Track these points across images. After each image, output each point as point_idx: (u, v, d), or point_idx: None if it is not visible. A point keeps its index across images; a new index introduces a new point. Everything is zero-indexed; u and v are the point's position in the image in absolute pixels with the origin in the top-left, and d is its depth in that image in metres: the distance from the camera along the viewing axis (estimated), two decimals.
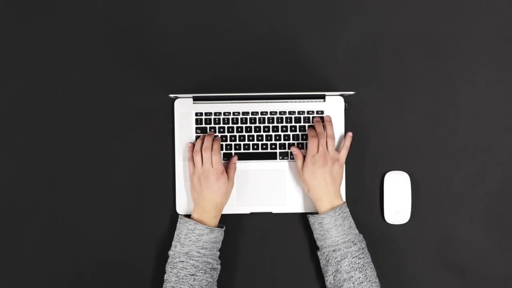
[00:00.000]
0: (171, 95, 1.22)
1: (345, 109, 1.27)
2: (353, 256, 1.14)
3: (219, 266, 1.18)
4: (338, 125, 1.27)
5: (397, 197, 1.27)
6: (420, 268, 1.28)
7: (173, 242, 1.18)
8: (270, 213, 1.27)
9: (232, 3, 1.29)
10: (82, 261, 1.27)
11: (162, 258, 1.26)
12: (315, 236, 1.20)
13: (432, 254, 1.28)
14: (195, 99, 1.26)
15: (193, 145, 1.24)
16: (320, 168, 1.18)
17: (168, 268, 1.16)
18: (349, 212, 1.20)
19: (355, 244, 1.15)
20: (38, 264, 1.27)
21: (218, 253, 1.19)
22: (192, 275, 1.14)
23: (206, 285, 1.15)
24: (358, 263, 1.14)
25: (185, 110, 1.27)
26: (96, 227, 1.27)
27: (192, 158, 1.22)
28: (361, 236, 1.19)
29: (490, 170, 1.28)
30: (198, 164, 1.20)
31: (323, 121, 1.25)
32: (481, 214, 1.28)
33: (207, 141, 1.21)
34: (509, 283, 1.28)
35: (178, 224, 1.19)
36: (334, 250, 1.16)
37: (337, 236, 1.16)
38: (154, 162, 1.28)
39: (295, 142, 1.26)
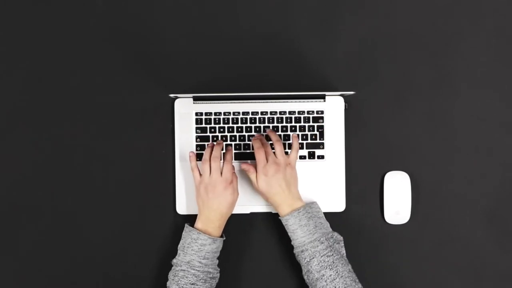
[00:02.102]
0: (171, 95, 1.22)
1: (345, 109, 1.27)
2: (321, 254, 1.14)
3: (218, 275, 1.19)
4: (338, 125, 1.27)
5: (397, 197, 1.27)
6: (420, 268, 1.28)
7: (178, 249, 1.18)
8: (270, 213, 1.27)
9: (232, 3, 1.29)
10: (82, 261, 1.27)
11: (162, 258, 1.26)
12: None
13: (432, 254, 1.28)
14: (195, 99, 1.26)
15: (195, 154, 1.23)
16: (273, 176, 1.17)
17: (170, 275, 1.17)
18: (315, 213, 1.18)
19: (322, 243, 1.14)
20: (38, 264, 1.27)
21: (217, 261, 1.19)
22: (192, 284, 1.14)
23: None
24: (327, 261, 1.13)
25: (185, 110, 1.27)
26: (96, 227, 1.27)
27: (196, 167, 1.21)
28: (333, 233, 1.17)
29: (490, 170, 1.28)
30: (205, 174, 1.19)
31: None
32: (481, 214, 1.28)
33: (216, 150, 1.20)
34: (509, 283, 1.28)
35: (183, 233, 1.19)
36: (302, 251, 1.15)
37: (303, 237, 1.16)
38: (154, 162, 1.28)
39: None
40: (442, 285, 1.28)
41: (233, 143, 1.26)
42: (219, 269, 1.19)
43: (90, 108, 1.28)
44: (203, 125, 1.27)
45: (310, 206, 1.18)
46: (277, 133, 1.26)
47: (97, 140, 1.28)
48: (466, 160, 1.28)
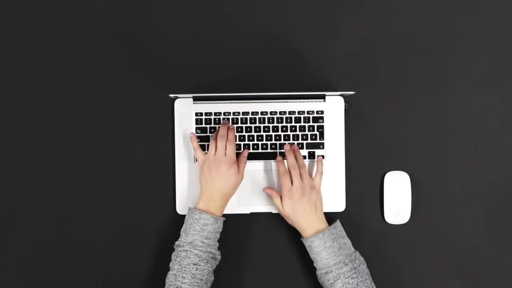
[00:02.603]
0: (171, 95, 1.22)
1: (345, 109, 1.27)
2: (346, 276, 1.14)
3: (219, 257, 1.19)
4: (338, 125, 1.27)
5: (397, 197, 1.27)
6: (420, 268, 1.28)
7: (180, 232, 1.18)
8: (270, 213, 1.27)
9: (232, 3, 1.29)
10: (82, 260, 1.27)
11: (162, 258, 1.26)
12: (311, 257, 1.21)
13: (432, 254, 1.28)
14: (195, 99, 1.26)
15: (195, 135, 1.23)
16: (298, 200, 1.18)
17: (173, 256, 1.17)
18: (340, 233, 1.19)
19: (347, 265, 1.15)
20: (38, 264, 1.27)
21: (218, 243, 1.19)
22: (195, 264, 1.14)
23: (207, 274, 1.15)
24: (352, 283, 1.14)
25: (185, 110, 1.27)
26: (96, 227, 1.27)
27: (198, 147, 1.22)
28: (356, 253, 1.17)
29: (490, 170, 1.28)
30: (211, 152, 1.19)
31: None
32: (481, 214, 1.28)
33: (222, 129, 1.21)
34: (509, 283, 1.28)
35: (186, 216, 1.19)
36: (326, 273, 1.15)
37: (328, 259, 1.16)
38: (154, 162, 1.28)
39: (293, 141, 1.25)
40: (442, 285, 1.28)
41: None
42: (219, 251, 1.19)
43: (90, 108, 1.28)
44: (203, 125, 1.27)
45: (334, 227, 1.18)
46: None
47: (97, 140, 1.28)
48: (466, 160, 1.28)
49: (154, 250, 1.27)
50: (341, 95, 1.26)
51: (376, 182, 1.28)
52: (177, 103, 1.27)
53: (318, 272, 1.18)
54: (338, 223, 1.20)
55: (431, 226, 1.28)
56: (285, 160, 1.23)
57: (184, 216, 1.26)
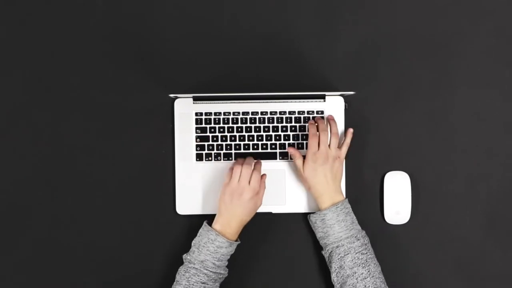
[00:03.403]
0: (171, 95, 1.22)
1: (345, 109, 1.27)
2: (356, 251, 1.14)
3: (227, 274, 1.19)
4: (338, 125, 1.27)
5: (397, 197, 1.27)
6: (420, 268, 1.28)
7: (192, 246, 1.18)
8: (270, 213, 1.27)
9: (232, 3, 1.29)
10: (82, 261, 1.27)
11: (162, 258, 1.26)
12: (318, 235, 1.20)
13: (432, 254, 1.28)
14: (195, 99, 1.26)
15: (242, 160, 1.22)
16: (321, 165, 1.19)
17: (181, 270, 1.16)
18: (350, 208, 1.20)
19: (358, 240, 1.15)
20: (38, 264, 1.27)
21: (227, 262, 1.19)
22: (203, 283, 1.14)
23: None
24: (361, 258, 1.14)
25: (185, 110, 1.27)
26: (96, 227, 1.27)
27: (231, 170, 1.20)
28: (364, 232, 1.19)
29: (490, 170, 1.28)
30: (234, 179, 1.18)
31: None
32: (481, 214, 1.28)
33: (250, 159, 1.21)
34: (509, 283, 1.28)
35: (201, 230, 1.18)
36: (337, 246, 1.16)
37: (340, 232, 1.16)
38: (154, 162, 1.28)
39: (294, 141, 1.26)
40: (442, 285, 1.28)
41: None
42: (227, 269, 1.19)
43: (90, 108, 1.28)
44: (203, 125, 1.27)
45: (347, 202, 1.20)
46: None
47: (97, 140, 1.28)
48: (466, 160, 1.28)
49: (154, 250, 1.27)
50: (341, 95, 1.26)
51: (376, 182, 1.28)
52: (177, 103, 1.27)
53: (328, 247, 1.17)
54: (347, 200, 1.21)
55: (431, 226, 1.28)
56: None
57: (184, 216, 1.26)
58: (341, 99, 1.27)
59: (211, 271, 1.15)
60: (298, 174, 1.23)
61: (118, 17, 1.29)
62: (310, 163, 1.19)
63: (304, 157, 1.22)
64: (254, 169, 1.20)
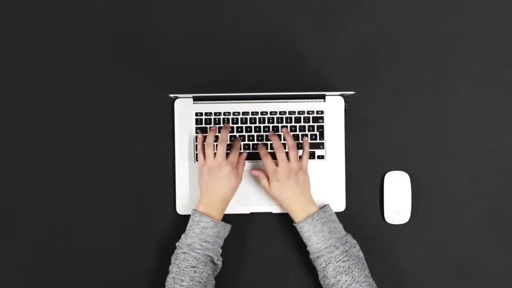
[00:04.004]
0: (171, 95, 1.22)
1: (345, 109, 1.27)
2: (337, 260, 1.14)
3: (220, 263, 1.18)
4: (338, 125, 1.27)
5: (397, 197, 1.27)
6: (420, 268, 1.28)
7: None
8: (270, 213, 1.27)
9: (232, 3, 1.29)
10: (82, 260, 1.27)
11: (162, 258, 1.26)
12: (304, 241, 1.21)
13: (432, 254, 1.28)
14: (195, 99, 1.26)
15: (204, 137, 1.24)
16: (285, 182, 1.18)
17: (172, 258, 1.17)
18: (329, 217, 1.18)
19: (337, 248, 1.15)
20: (38, 264, 1.27)
21: (220, 250, 1.19)
22: (193, 267, 1.14)
23: (206, 277, 1.15)
24: (343, 266, 1.14)
25: (185, 110, 1.27)
26: (96, 227, 1.27)
27: (202, 150, 1.21)
28: (347, 237, 1.17)
29: (490, 170, 1.28)
30: (210, 156, 1.19)
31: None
32: (481, 214, 1.28)
33: (223, 134, 1.20)
34: (509, 283, 1.28)
35: (190, 218, 1.19)
36: (318, 257, 1.16)
37: (318, 243, 1.16)
38: (154, 162, 1.28)
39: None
40: (442, 285, 1.28)
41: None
42: (222, 258, 1.19)
43: (90, 108, 1.28)
44: (203, 125, 1.27)
45: (324, 211, 1.18)
46: (277, 134, 1.26)
47: (97, 140, 1.28)
48: (466, 160, 1.28)
49: (154, 250, 1.27)
50: (341, 95, 1.26)
51: (376, 182, 1.28)
52: (177, 103, 1.27)
53: (310, 256, 1.18)
54: (328, 207, 1.20)
55: (431, 226, 1.28)
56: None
57: (184, 216, 1.26)
58: (341, 99, 1.27)
59: (199, 253, 1.14)
60: (267, 193, 1.23)
61: (118, 17, 1.29)
62: (274, 182, 1.19)
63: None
64: (232, 146, 1.21)
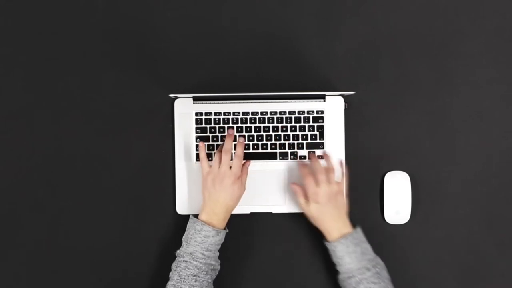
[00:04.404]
0: (171, 95, 1.22)
1: (345, 109, 1.27)
2: (368, 281, 1.14)
3: (219, 267, 1.19)
4: (338, 125, 1.27)
5: (397, 197, 1.27)
6: (420, 268, 1.28)
7: (182, 240, 1.18)
8: (270, 213, 1.27)
9: (232, 3, 1.29)
10: (82, 260, 1.27)
11: (162, 258, 1.26)
12: (332, 260, 1.20)
13: (432, 254, 1.28)
14: (195, 99, 1.26)
15: (205, 145, 1.23)
16: (325, 205, 1.18)
17: (173, 266, 1.17)
18: (362, 238, 1.19)
19: (369, 270, 1.15)
20: (38, 264, 1.27)
21: (218, 253, 1.19)
22: (194, 275, 1.14)
23: (206, 286, 1.15)
24: None
25: (185, 110, 1.27)
26: (96, 227, 1.27)
27: (205, 158, 1.20)
28: (377, 259, 1.18)
29: (490, 170, 1.28)
30: (215, 166, 1.18)
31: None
32: (481, 214, 1.28)
33: (228, 143, 1.19)
34: (509, 283, 1.28)
35: (188, 224, 1.19)
36: (349, 277, 1.15)
37: (351, 263, 1.16)
38: (154, 162, 1.28)
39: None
40: (442, 285, 1.28)
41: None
42: (219, 261, 1.19)
43: (90, 108, 1.28)
44: (203, 125, 1.27)
45: (356, 232, 1.19)
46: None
47: (97, 140, 1.28)
48: (466, 160, 1.28)
49: (154, 250, 1.27)
50: (341, 95, 1.26)
51: (376, 182, 1.28)
52: (177, 103, 1.27)
53: (340, 276, 1.18)
54: (359, 228, 1.20)
55: (431, 226, 1.28)
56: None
57: (184, 216, 1.26)
58: (341, 99, 1.27)
59: (201, 262, 1.14)
60: (302, 209, 1.22)
61: (118, 17, 1.29)
62: (313, 204, 1.19)
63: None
64: (235, 154, 1.19)
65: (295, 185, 1.22)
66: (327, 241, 1.19)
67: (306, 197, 1.20)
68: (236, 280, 1.27)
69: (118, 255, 1.28)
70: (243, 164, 1.22)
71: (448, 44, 1.29)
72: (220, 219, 1.18)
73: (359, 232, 1.19)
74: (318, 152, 1.25)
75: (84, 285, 1.27)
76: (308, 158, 1.25)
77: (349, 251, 1.16)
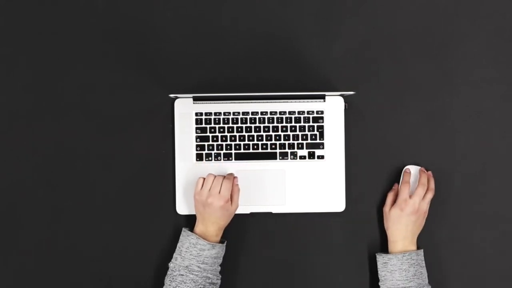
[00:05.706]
0: (171, 95, 1.22)
1: (345, 109, 1.27)
2: None
3: (219, 281, 1.18)
4: (338, 125, 1.27)
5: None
6: None
7: (174, 254, 1.18)
8: (270, 213, 1.27)
9: (232, 3, 1.29)
10: (82, 260, 1.27)
11: (162, 258, 1.26)
12: (379, 274, 1.20)
13: (431, 254, 1.28)
14: (195, 99, 1.26)
15: (202, 179, 1.20)
16: (407, 216, 1.19)
17: (167, 280, 1.16)
18: (421, 261, 1.19)
19: None
20: (38, 264, 1.27)
21: (219, 268, 1.19)
22: None
23: None
24: None
25: (185, 110, 1.27)
26: (96, 227, 1.27)
27: (202, 178, 1.20)
28: (428, 287, 1.18)
29: (490, 170, 1.28)
30: (206, 187, 1.18)
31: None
32: (481, 214, 1.28)
33: (223, 177, 1.19)
34: (509, 283, 1.28)
35: (181, 237, 1.19)
36: None
37: (399, 280, 1.16)
38: (154, 162, 1.28)
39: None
40: (442, 285, 1.28)
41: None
42: (220, 276, 1.19)
43: (90, 108, 1.28)
44: (203, 125, 1.27)
45: (417, 253, 1.19)
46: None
47: (97, 140, 1.28)
48: (466, 160, 1.28)
49: (154, 250, 1.27)
50: (341, 95, 1.26)
51: (376, 182, 1.28)
52: (177, 103, 1.27)
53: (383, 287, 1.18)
54: (421, 252, 1.20)
55: (431, 226, 1.28)
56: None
57: (184, 216, 1.26)
58: (341, 99, 1.27)
59: (197, 276, 1.14)
60: (384, 210, 1.23)
61: (118, 17, 1.29)
62: (397, 209, 1.20)
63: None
64: (225, 177, 1.19)
65: (392, 193, 1.24)
66: (382, 253, 1.20)
67: (394, 201, 1.22)
68: (236, 280, 1.27)
69: (118, 254, 1.27)
70: (233, 186, 1.20)
71: (448, 44, 1.29)
72: (213, 235, 1.18)
73: (420, 255, 1.19)
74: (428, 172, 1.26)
75: (84, 285, 1.27)
76: (408, 169, 1.26)
77: (403, 268, 1.16)
